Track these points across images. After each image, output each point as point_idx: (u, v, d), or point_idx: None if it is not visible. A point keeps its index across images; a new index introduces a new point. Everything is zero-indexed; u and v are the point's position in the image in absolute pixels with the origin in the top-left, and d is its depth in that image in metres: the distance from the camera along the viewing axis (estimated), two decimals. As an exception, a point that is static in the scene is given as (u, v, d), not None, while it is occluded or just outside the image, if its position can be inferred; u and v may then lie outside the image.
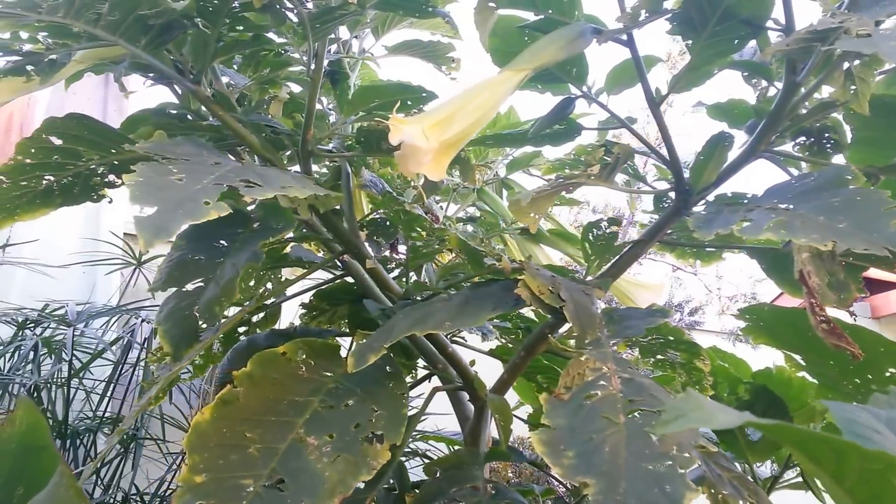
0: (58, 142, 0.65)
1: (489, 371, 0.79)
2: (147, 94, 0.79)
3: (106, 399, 1.64)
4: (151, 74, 0.70)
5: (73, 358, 1.54)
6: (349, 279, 0.86)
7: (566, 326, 0.63)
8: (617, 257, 0.72)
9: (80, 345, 1.66)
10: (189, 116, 0.74)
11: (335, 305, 0.92)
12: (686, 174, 0.68)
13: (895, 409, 0.37)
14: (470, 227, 1.11)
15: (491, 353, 0.94)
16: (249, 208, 0.71)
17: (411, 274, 0.90)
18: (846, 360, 0.72)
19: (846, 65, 0.57)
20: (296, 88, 0.86)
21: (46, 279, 1.82)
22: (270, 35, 0.72)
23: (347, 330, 0.91)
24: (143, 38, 0.62)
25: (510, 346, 0.94)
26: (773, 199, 0.54)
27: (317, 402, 0.54)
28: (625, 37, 0.66)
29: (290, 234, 0.77)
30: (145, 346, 1.64)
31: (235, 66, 0.83)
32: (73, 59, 0.65)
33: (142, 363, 1.64)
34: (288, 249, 0.87)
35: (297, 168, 0.75)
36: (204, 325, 0.59)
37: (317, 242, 0.90)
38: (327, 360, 0.59)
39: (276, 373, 0.56)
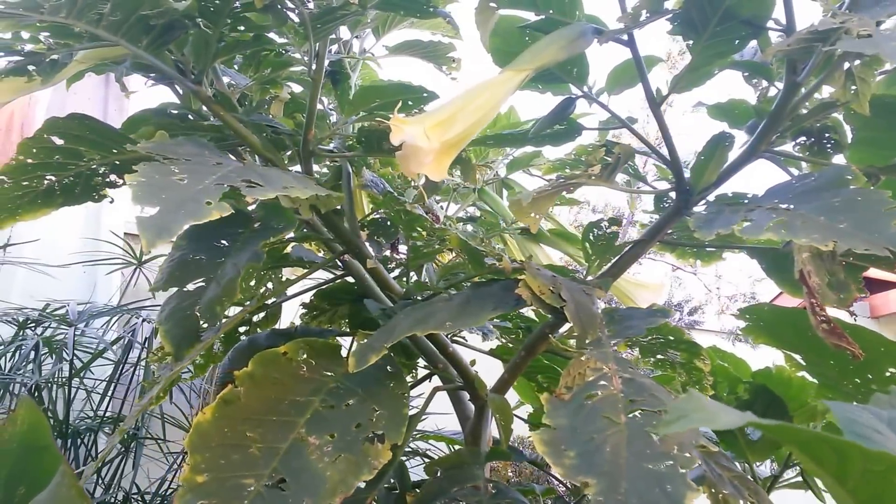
0: (59, 142, 0.65)
1: (490, 371, 0.79)
2: (148, 94, 0.80)
3: (107, 399, 1.64)
4: (153, 74, 0.71)
5: (74, 357, 1.54)
6: (350, 279, 0.86)
7: (566, 326, 0.63)
8: (618, 257, 0.73)
9: (80, 344, 1.66)
10: (190, 116, 0.74)
11: (336, 305, 0.92)
12: (687, 174, 0.68)
13: (896, 409, 0.37)
14: (470, 227, 1.11)
15: (491, 352, 0.94)
16: (250, 208, 0.71)
17: (412, 274, 0.90)
18: (846, 359, 0.72)
19: (847, 65, 0.57)
20: (297, 88, 0.86)
21: (47, 279, 1.82)
22: (271, 35, 0.72)
23: (348, 329, 0.91)
24: (145, 38, 0.62)
25: (510, 345, 0.94)
26: (773, 199, 0.55)
27: (318, 401, 0.55)
28: (626, 37, 0.66)
29: (291, 234, 0.77)
30: (146, 345, 1.64)
31: (236, 67, 0.84)
32: (75, 60, 0.65)
33: (142, 363, 1.65)
34: (289, 249, 0.87)
35: (297, 168, 0.75)
36: (205, 325, 0.59)
37: (317, 242, 0.90)
38: (328, 359, 0.59)
39: (278, 372, 0.56)
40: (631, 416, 0.41)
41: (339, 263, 0.84)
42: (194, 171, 0.48)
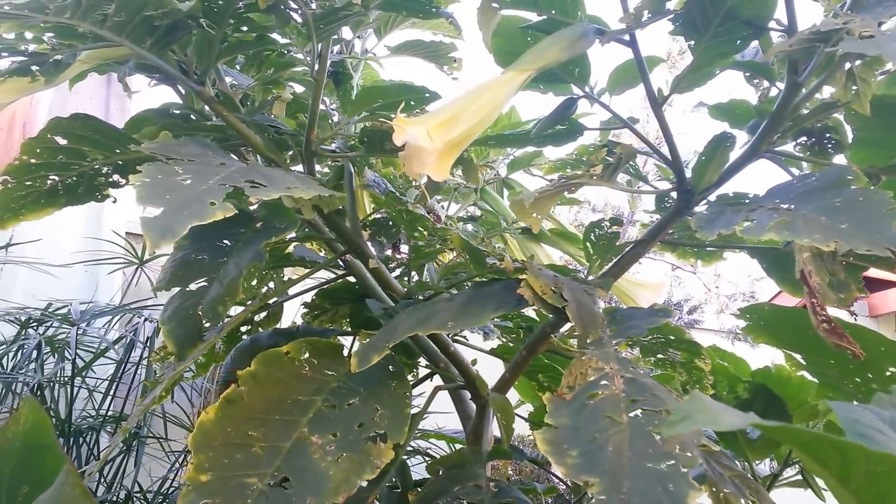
0: (63, 142, 0.65)
1: (491, 370, 0.79)
2: (150, 94, 0.80)
3: (109, 398, 1.65)
4: (156, 75, 0.71)
5: (77, 357, 1.54)
6: (351, 278, 0.86)
7: (568, 326, 0.64)
8: (619, 257, 0.73)
9: (82, 344, 1.67)
10: (193, 117, 0.74)
11: (337, 305, 0.92)
12: (688, 174, 0.68)
13: (897, 409, 0.37)
14: (471, 227, 1.11)
15: (492, 352, 0.94)
16: (252, 208, 0.71)
17: (413, 273, 0.91)
18: (846, 359, 0.72)
19: (848, 65, 0.57)
20: (299, 89, 0.86)
21: (49, 278, 1.83)
22: (274, 36, 0.72)
23: (350, 329, 0.91)
24: (149, 38, 0.62)
25: (512, 345, 0.94)
26: (775, 199, 0.55)
27: (320, 401, 0.55)
28: (627, 37, 0.66)
29: (293, 234, 0.78)
30: (148, 344, 1.65)
31: (238, 67, 0.84)
32: (78, 60, 0.65)
33: (144, 362, 1.65)
34: (290, 249, 0.87)
35: (300, 168, 0.75)
36: (207, 325, 0.59)
37: (319, 242, 0.91)
38: (330, 359, 0.59)
39: (280, 372, 0.56)
40: (633, 415, 0.41)
41: (341, 263, 0.84)
42: (198, 172, 0.48)
